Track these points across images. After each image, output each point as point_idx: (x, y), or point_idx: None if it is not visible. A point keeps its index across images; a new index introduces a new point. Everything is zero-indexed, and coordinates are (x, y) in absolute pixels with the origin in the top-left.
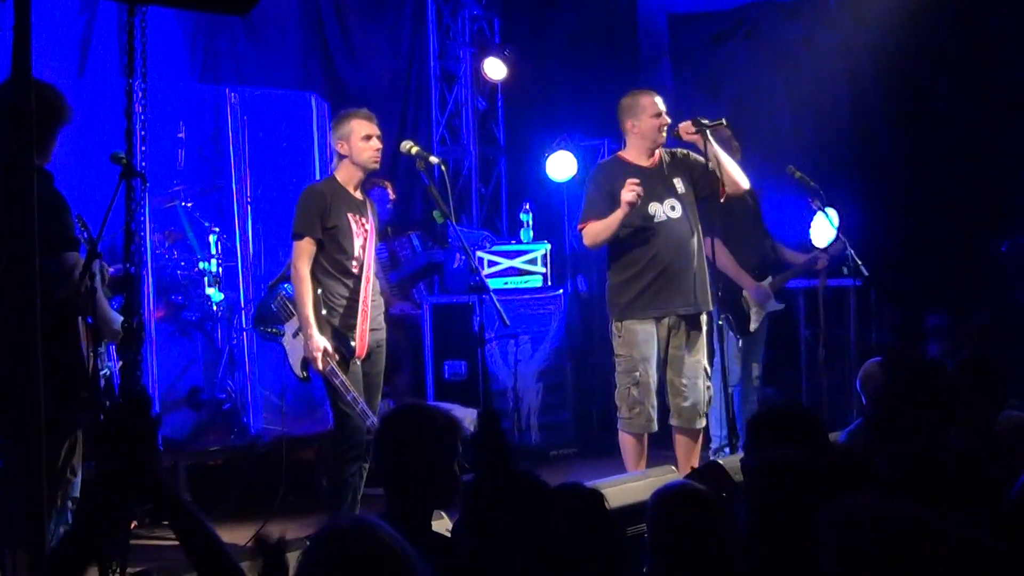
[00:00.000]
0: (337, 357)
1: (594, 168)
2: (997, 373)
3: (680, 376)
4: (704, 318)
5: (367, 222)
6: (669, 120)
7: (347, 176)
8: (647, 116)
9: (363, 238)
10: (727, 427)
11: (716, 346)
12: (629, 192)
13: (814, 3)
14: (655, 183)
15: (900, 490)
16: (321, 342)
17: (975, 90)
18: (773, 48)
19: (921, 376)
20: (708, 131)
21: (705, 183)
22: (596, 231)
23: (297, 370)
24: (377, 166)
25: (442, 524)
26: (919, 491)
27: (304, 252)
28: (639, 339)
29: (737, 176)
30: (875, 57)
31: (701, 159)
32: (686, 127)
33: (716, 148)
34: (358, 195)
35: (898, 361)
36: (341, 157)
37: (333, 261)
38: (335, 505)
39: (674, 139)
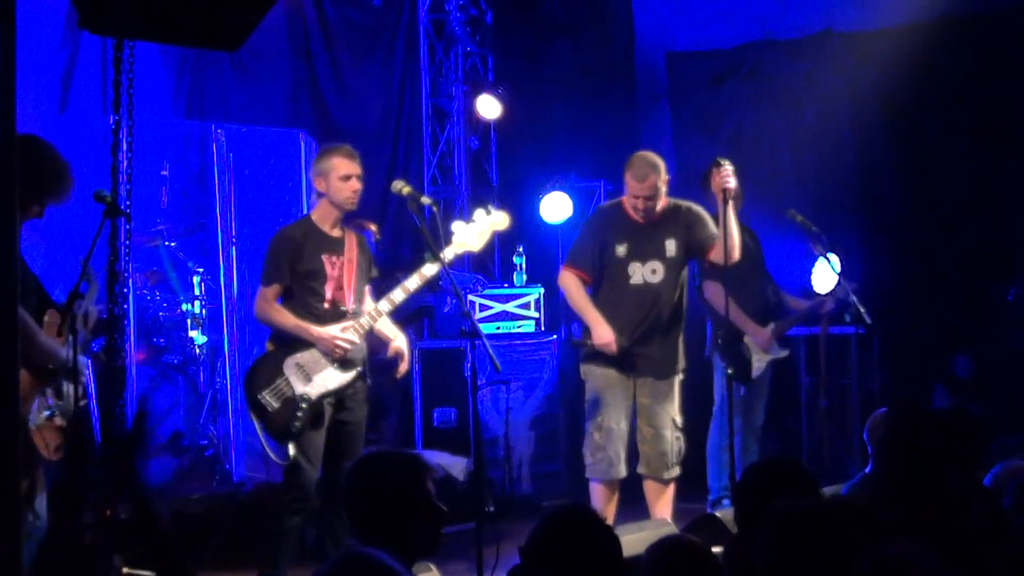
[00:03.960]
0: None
1: (593, 210)
2: (973, 428)
3: (648, 425)
4: (677, 378)
5: (342, 260)
6: (650, 204)
7: (323, 215)
8: (628, 192)
9: (336, 279)
10: (728, 478)
11: (724, 395)
12: (605, 348)
13: (817, 42)
14: (643, 242)
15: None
16: (329, 330)
17: (981, 133)
18: (774, 88)
19: (928, 427)
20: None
21: (698, 247)
22: (570, 294)
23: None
24: (354, 207)
25: None
26: (925, 541)
27: (268, 297)
28: (604, 384)
29: (735, 249)
30: (879, 97)
31: (709, 223)
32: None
33: (733, 217)
34: (335, 233)
35: (905, 412)
36: (319, 194)
37: (304, 303)
38: (272, 555)
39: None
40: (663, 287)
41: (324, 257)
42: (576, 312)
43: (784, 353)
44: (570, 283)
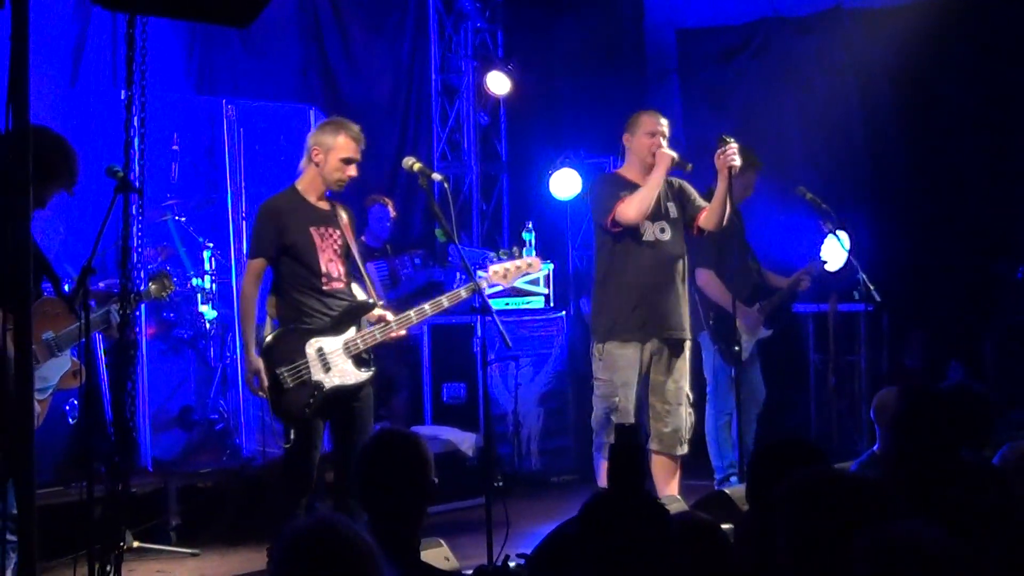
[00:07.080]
0: (267, 387)
1: (596, 177)
2: (980, 406)
3: (662, 401)
4: (687, 344)
5: (336, 232)
6: (664, 143)
7: (309, 186)
8: (641, 132)
9: (331, 250)
10: (737, 456)
11: (716, 376)
12: (666, 152)
13: (827, 19)
14: None
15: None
16: (257, 363)
17: (992, 110)
18: (784, 65)
19: (937, 406)
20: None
21: (688, 216)
22: (637, 199)
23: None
24: (342, 190)
25: (440, 552)
26: (936, 519)
27: (252, 272)
28: (620, 364)
29: (723, 217)
30: (888, 74)
31: (695, 194)
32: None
33: (727, 188)
34: (323, 205)
35: (915, 390)
36: (311, 162)
37: (298, 277)
38: None
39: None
40: (672, 244)
41: (312, 229)
42: (650, 195)
43: (768, 333)
44: (627, 201)
